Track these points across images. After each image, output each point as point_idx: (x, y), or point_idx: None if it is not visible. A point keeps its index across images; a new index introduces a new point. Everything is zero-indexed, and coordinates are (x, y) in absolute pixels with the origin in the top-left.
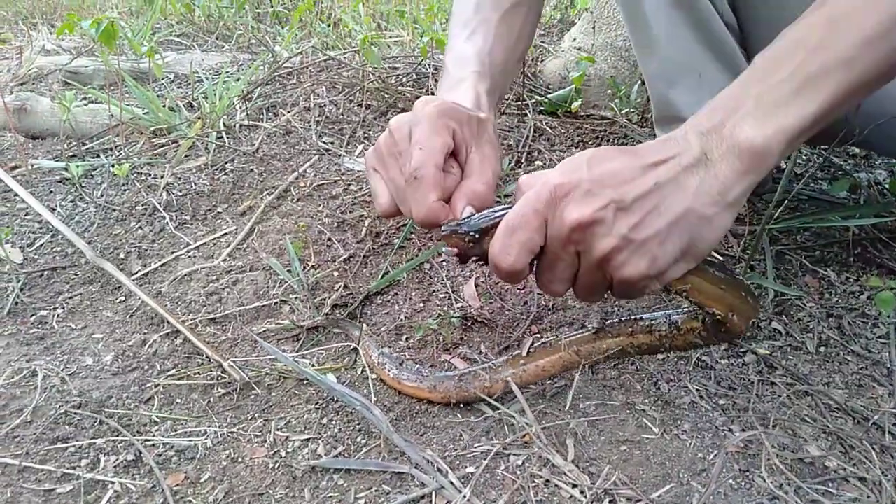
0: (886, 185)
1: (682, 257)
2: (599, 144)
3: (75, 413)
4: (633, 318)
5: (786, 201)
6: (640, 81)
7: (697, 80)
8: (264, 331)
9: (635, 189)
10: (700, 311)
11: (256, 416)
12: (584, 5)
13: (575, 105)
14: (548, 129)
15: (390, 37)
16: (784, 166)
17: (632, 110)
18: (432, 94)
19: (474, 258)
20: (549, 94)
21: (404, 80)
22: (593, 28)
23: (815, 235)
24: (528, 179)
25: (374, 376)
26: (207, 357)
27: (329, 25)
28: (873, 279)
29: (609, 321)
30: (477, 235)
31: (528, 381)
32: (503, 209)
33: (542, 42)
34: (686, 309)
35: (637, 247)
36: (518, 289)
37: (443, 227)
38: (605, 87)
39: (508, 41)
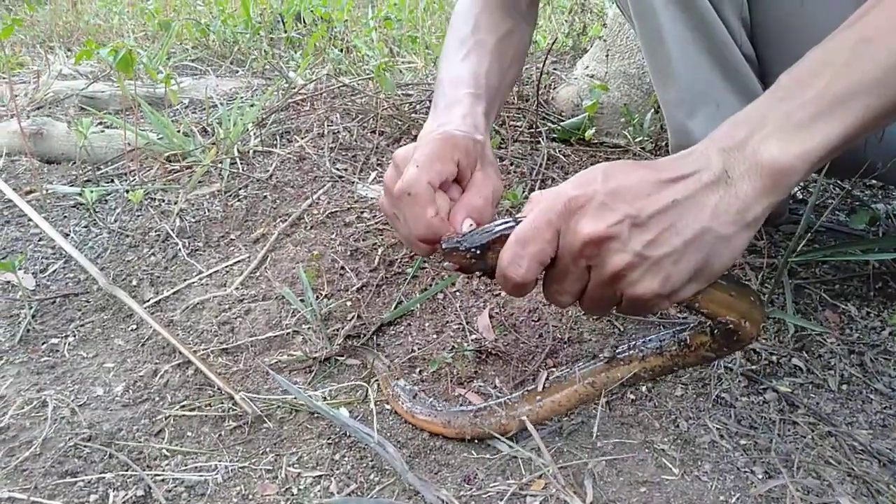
0: None
1: (696, 277)
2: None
3: (85, 446)
4: (642, 341)
5: (807, 234)
6: (653, 109)
7: (715, 110)
8: (276, 362)
9: (652, 205)
10: (708, 324)
11: (268, 450)
12: (597, 33)
13: (588, 133)
14: (561, 156)
15: (403, 63)
16: (799, 194)
17: (645, 138)
18: None
19: (478, 273)
20: (562, 121)
21: (417, 107)
22: (606, 56)
23: (834, 268)
24: (540, 194)
25: (389, 408)
26: (219, 388)
27: (342, 51)
28: (895, 317)
29: (619, 348)
30: (479, 251)
31: (544, 417)
32: (505, 223)
33: (555, 69)
34: (692, 324)
35: (651, 265)
36: (533, 321)
37: (443, 244)
38: (618, 115)
39: (502, 65)
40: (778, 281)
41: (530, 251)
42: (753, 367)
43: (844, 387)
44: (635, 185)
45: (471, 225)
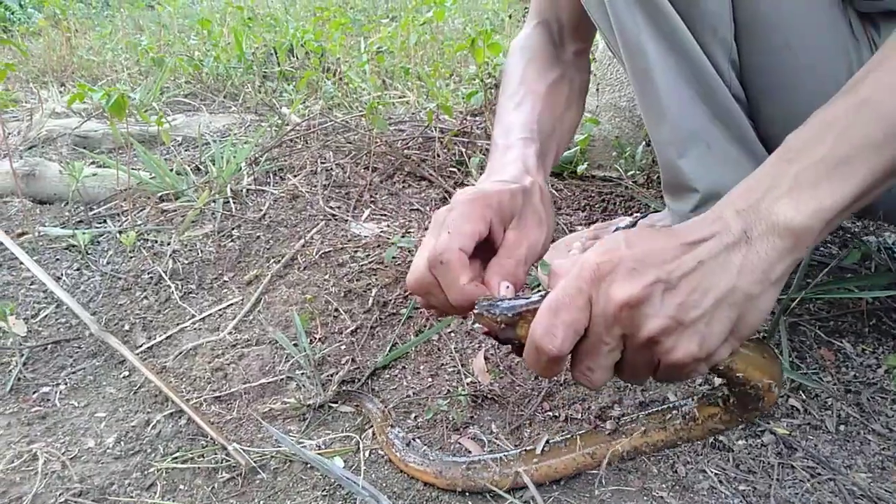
0: None
1: (729, 337)
2: (606, 208)
3: (76, 502)
4: (645, 413)
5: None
6: (644, 142)
7: (706, 149)
8: (269, 410)
9: (680, 268)
10: (720, 394)
11: (262, 503)
12: None
13: (580, 168)
14: (554, 191)
15: (395, 96)
16: None
17: (637, 171)
18: (438, 156)
19: (506, 342)
20: None
21: (410, 143)
22: (597, 89)
23: (828, 304)
24: (561, 264)
25: (385, 456)
26: (212, 439)
27: (335, 83)
28: (891, 357)
29: (622, 418)
30: (510, 317)
31: (538, 480)
32: (539, 295)
33: None
34: (700, 394)
35: (685, 328)
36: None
37: (476, 306)
38: (609, 148)
39: (556, 110)
40: (774, 328)
41: (564, 319)
42: None
43: (842, 427)
44: (660, 250)
45: (507, 287)
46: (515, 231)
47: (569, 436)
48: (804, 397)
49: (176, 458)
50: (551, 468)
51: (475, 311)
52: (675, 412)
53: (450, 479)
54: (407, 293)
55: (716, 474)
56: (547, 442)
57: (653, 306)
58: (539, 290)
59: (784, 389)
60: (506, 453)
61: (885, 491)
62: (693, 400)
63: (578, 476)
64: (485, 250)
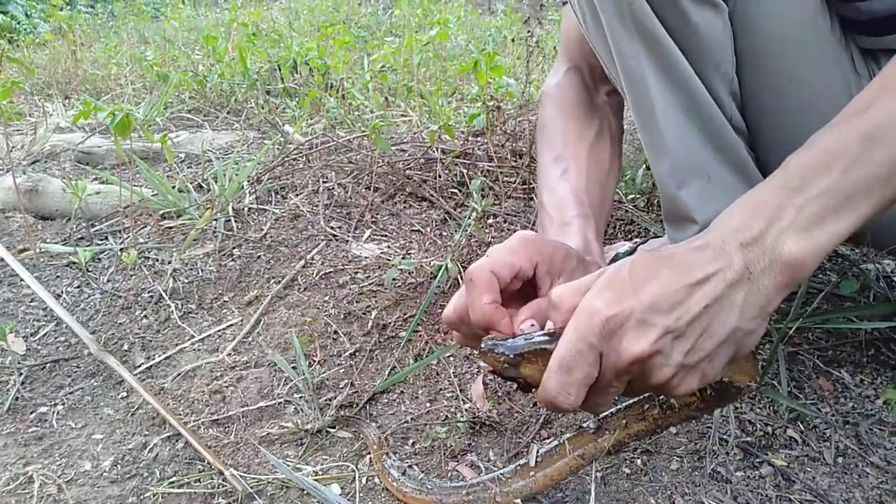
0: (895, 278)
1: (725, 367)
2: (606, 231)
3: None
4: (625, 405)
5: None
6: (644, 166)
7: (707, 182)
8: (267, 434)
9: (687, 314)
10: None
11: None
12: None
13: None
14: None
15: (398, 114)
16: None
17: (637, 196)
18: (440, 177)
19: (510, 381)
20: None
21: (412, 163)
22: None
23: (826, 333)
24: (564, 296)
25: (381, 483)
26: (209, 463)
27: (338, 101)
28: (889, 391)
29: (603, 416)
30: (513, 358)
31: (537, 491)
32: (544, 335)
33: None
34: None
35: (691, 369)
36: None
37: (482, 343)
38: None
39: (599, 175)
40: (774, 351)
41: (577, 378)
42: (748, 438)
43: (840, 459)
44: (667, 294)
45: (532, 325)
46: (563, 278)
47: (557, 442)
48: (802, 428)
49: (172, 482)
50: (547, 476)
51: (480, 348)
52: (653, 402)
53: None
54: (407, 318)
55: None
56: (538, 453)
57: (662, 358)
58: (541, 332)
59: (783, 420)
60: (502, 472)
61: None
62: None
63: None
64: (529, 296)
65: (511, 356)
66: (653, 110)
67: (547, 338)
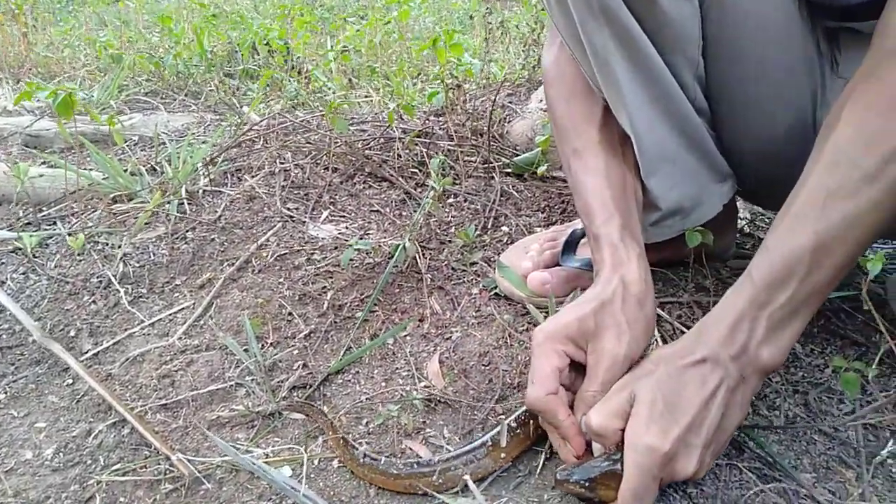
0: None
1: None
2: (565, 209)
3: None
4: None
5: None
6: None
7: (672, 167)
8: (217, 418)
9: (710, 425)
10: None
11: None
12: None
13: (541, 169)
14: (514, 192)
15: (360, 95)
16: (746, 228)
17: None
18: (399, 157)
19: (587, 501)
20: (517, 155)
21: (372, 143)
22: None
23: None
24: (604, 424)
25: (336, 464)
26: (155, 449)
27: (300, 82)
28: (836, 359)
29: None
30: (587, 484)
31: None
32: (608, 461)
33: (510, 102)
34: None
35: (708, 463)
36: (483, 365)
37: (556, 474)
38: None
39: (616, 160)
40: None
41: (648, 502)
42: None
43: (789, 428)
44: (697, 415)
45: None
46: (594, 355)
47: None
48: (753, 398)
49: (117, 469)
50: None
51: (556, 478)
52: None
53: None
54: (364, 297)
55: None
56: (509, 430)
57: (701, 466)
58: (605, 457)
59: None
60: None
61: (829, 491)
62: None
63: (529, 477)
64: (578, 367)
65: (586, 485)
66: (625, 104)
67: (611, 465)
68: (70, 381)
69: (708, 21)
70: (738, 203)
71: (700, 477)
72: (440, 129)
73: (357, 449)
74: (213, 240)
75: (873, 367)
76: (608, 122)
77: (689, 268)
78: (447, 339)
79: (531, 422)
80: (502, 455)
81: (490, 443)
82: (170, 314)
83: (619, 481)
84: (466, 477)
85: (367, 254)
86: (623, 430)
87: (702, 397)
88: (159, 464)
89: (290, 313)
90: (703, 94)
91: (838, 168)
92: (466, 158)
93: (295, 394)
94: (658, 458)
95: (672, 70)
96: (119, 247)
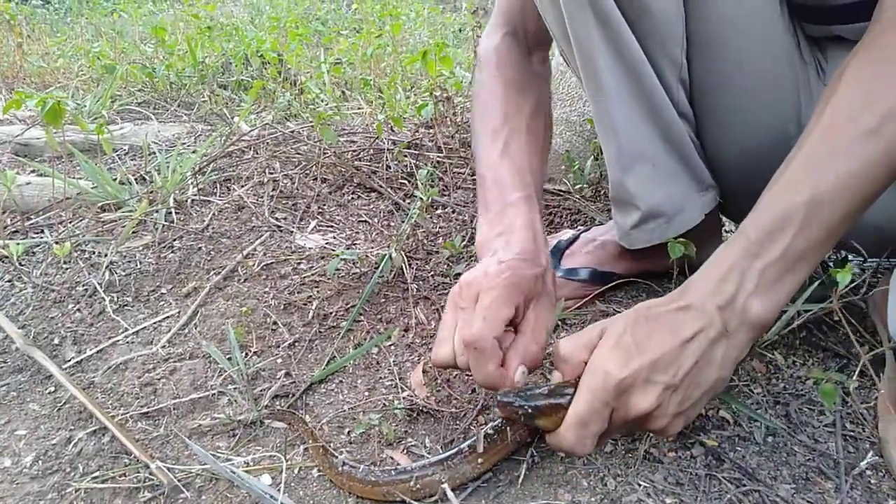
0: (830, 264)
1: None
2: (552, 221)
3: None
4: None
5: None
6: (593, 156)
7: (651, 169)
8: (198, 426)
9: (681, 369)
10: None
11: None
12: None
13: None
14: None
15: (352, 107)
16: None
17: (585, 185)
18: (388, 168)
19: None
20: None
21: (361, 154)
22: None
23: None
24: (570, 353)
25: (317, 473)
26: (135, 457)
27: (294, 94)
28: (815, 371)
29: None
30: (530, 411)
31: (480, 474)
32: (553, 392)
33: None
34: None
35: (680, 415)
36: (467, 375)
37: (498, 395)
38: (560, 161)
39: (539, 151)
40: None
41: (592, 431)
42: None
43: (770, 439)
44: (664, 353)
45: (523, 373)
46: (534, 312)
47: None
48: (734, 409)
49: (96, 477)
50: (488, 461)
51: (499, 401)
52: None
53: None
54: (349, 307)
55: (644, 486)
56: (484, 437)
57: (661, 410)
58: (548, 386)
59: (715, 402)
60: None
61: (808, 502)
62: None
63: (509, 487)
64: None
65: (529, 412)
66: (604, 93)
67: (560, 402)
68: (52, 388)
69: (692, 25)
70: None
71: (668, 434)
72: (429, 140)
73: (336, 457)
74: (199, 249)
75: (854, 378)
76: (538, 119)
77: (673, 280)
78: (431, 348)
79: (508, 429)
80: (479, 461)
81: (467, 449)
82: (154, 322)
83: (564, 414)
84: (444, 485)
85: (353, 264)
86: (586, 364)
87: (676, 339)
88: (138, 472)
89: (274, 322)
90: (687, 99)
91: (836, 128)
92: (455, 170)
93: (277, 403)
94: (612, 383)
95: (656, 71)
96: (105, 255)
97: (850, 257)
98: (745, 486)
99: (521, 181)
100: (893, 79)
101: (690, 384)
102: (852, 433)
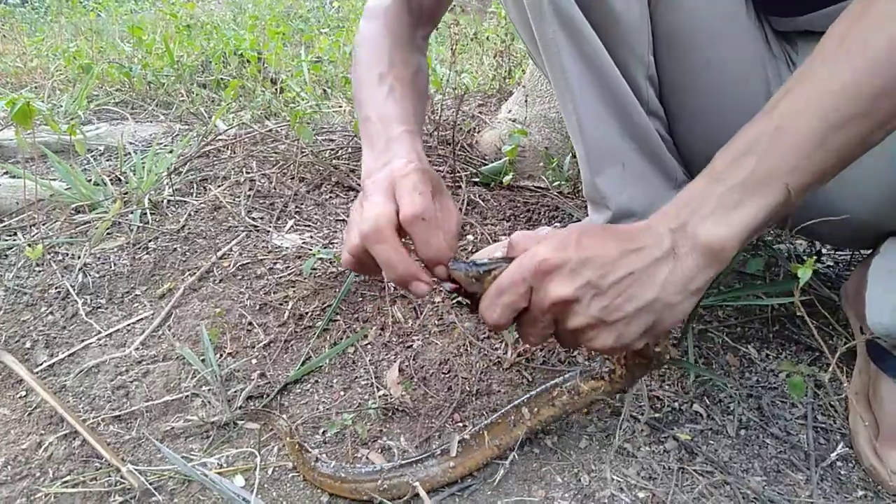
0: (805, 258)
1: (645, 335)
2: (531, 218)
3: None
4: (536, 394)
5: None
6: (571, 153)
7: (621, 169)
8: (171, 429)
9: (612, 275)
10: (606, 368)
11: None
12: (521, 78)
13: (507, 179)
14: (480, 202)
15: (332, 105)
16: None
17: (564, 182)
18: None
19: (469, 297)
20: (485, 165)
21: (339, 153)
22: (526, 100)
23: (736, 311)
24: (520, 240)
25: (291, 473)
26: (106, 460)
27: (274, 92)
28: (785, 363)
29: (514, 404)
30: (481, 273)
31: (454, 479)
32: (501, 261)
33: (480, 113)
34: (580, 370)
35: (606, 325)
36: (443, 373)
37: (450, 264)
38: (539, 158)
39: (419, 102)
40: (685, 330)
41: (504, 301)
42: (657, 414)
43: (742, 432)
44: (601, 255)
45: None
46: (440, 204)
47: (475, 430)
48: (708, 403)
49: (66, 481)
50: (465, 468)
51: (451, 267)
52: (560, 389)
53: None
54: (325, 307)
55: (617, 481)
56: (460, 442)
57: (580, 306)
58: (499, 258)
59: (689, 396)
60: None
61: (778, 494)
62: (577, 376)
63: (483, 486)
64: None
65: (480, 272)
66: (571, 96)
67: (504, 265)
68: (23, 392)
69: (658, 23)
70: None
71: (597, 347)
72: None
73: (309, 452)
74: (175, 250)
75: (826, 371)
76: (420, 81)
77: None
78: (408, 347)
79: (486, 434)
80: (451, 465)
81: (440, 452)
82: (128, 325)
83: None
84: (416, 483)
85: (329, 262)
86: None
87: (617, 248)
88: (109, 476)
89: (249, 323)
90: (657, 97)
91: (809, 72)
92: (435, 168)
93: (251, 403)
94: (535, 261)
95: (623, 70)
96: (79, 257)
97: (822, 250)
98: (716, 478)
99: (406, 119)
100: (872, 27)
101: (620, 294)
102: (824, 425)
